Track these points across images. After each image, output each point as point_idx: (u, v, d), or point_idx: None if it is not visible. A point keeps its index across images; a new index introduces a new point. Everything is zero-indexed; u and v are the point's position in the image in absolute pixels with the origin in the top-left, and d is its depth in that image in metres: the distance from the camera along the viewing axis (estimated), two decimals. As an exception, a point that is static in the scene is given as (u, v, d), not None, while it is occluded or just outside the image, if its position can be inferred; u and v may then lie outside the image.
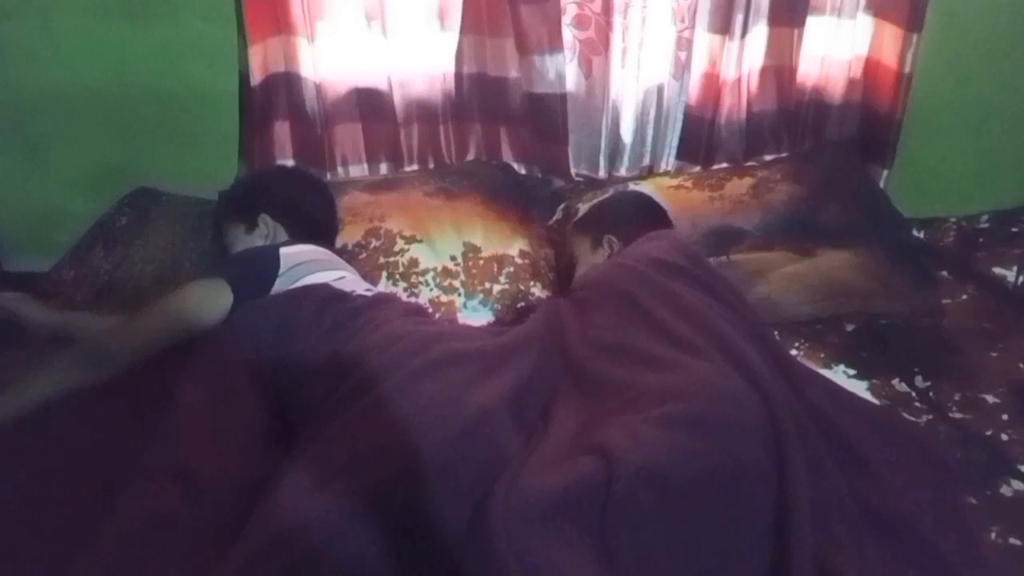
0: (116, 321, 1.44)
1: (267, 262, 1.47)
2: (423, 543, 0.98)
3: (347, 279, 1.53)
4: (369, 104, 2.05)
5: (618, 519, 0.99)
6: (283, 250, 1.49)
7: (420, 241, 1.81)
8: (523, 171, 2.17)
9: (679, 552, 0.98)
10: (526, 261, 1.85)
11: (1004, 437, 1.38)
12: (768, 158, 2.15)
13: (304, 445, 1.12)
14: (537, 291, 1.81)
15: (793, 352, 1.60)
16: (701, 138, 2.14)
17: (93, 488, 1.03)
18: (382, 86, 2.03)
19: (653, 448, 1.03)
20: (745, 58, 2.06)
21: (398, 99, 2.04)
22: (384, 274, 1.75)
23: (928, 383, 1.52)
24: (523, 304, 1.77)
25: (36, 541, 1.00)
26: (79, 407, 1.16)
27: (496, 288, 1.78)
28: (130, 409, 1.14)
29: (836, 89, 2.15)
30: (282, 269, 1.45)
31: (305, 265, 1.49)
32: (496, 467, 1.07)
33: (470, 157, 2.16)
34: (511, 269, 1.81)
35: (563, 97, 2.03)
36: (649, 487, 1.00)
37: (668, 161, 2.20)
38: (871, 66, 2.12)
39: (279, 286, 1.42)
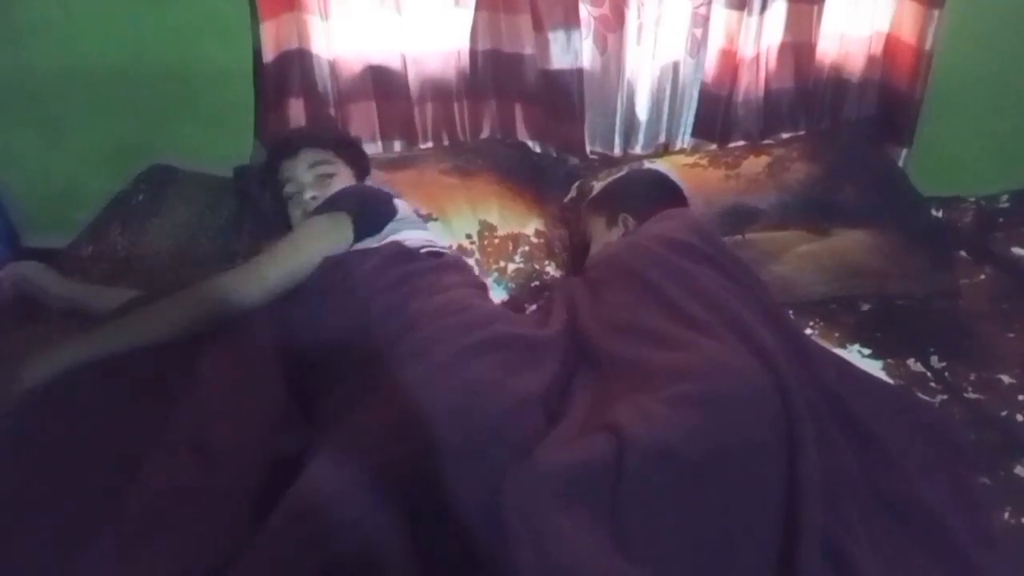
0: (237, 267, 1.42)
1: (385, 207, 1.53)
2: (442, 522, 0.98)
3: (434, 241, 1.59)
4: (383, 82, 2.05)
5: (629, 497, 0.99)
6: (397, 200, 1.56)
7: (436, 219, 1.81)
8: (538, 149, 2.16)
9: (688, 529, 0.99)
10: (541, 240, 1.85)
11: (1019, 418, 1.38)
12: (785, 136, 2.14)
13: (343, 410, 1.14)
14: (551, 270, 1.81)
15: (808, 332, 1.60)
16: (717, 116, 2.12)
17: (116, 459, 1.05)
18: (396, 64, 2.02)
19: (664, 426, 1.04)
20: (763, 35, 2.03)
21: (412, 77, 2.03)
22: (399, 252, 1.76)
23: (943, 363, 1.52)
24: (537, 283, 1.77)
25: (60, 511, 1.01)
26: (102, 380, 1.16)
27: (511, 267, 1.78)
28: (152, 383, 1.15)
29: (855, 66, 2.12)
30: (397, 217, 1.52)
31: (403, 220, 1.54)
32: (522, 454, 1.07)
33: (484, 135, 2.15)
34: (526, 248, 1.82)
35: (579, 73, 2.02)
36: (660, 465, 1.00)
37: (684, 139, 2.18)
38: (891, 43, 2.09)
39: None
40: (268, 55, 1.92)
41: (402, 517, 0.98)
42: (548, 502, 0.98)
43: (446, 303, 1.32)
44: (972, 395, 1.44)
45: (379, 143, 2.12)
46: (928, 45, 2.00)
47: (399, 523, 0.97)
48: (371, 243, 1.46)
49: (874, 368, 1.49)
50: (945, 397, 1.44)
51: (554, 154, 2.16)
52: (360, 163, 1.73)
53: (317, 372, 1.29)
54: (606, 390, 1.21)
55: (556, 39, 1.98)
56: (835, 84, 2.15)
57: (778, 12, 2.03)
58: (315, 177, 1.61)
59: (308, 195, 1.58)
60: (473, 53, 2.05)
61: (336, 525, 0.94)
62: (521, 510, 0.97)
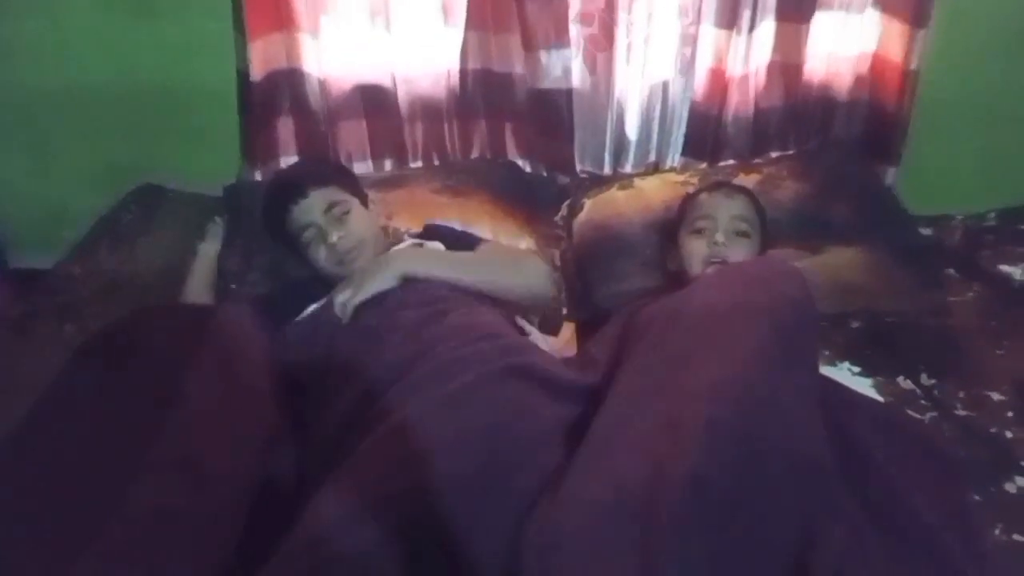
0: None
1: None
2: (454, 555, 0.96)
3: None
4: (373, 101, 2.05)
5: (658, 528, 0.94)
6: None
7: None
8: (528, 168, 2.17)
9: (716, 564, 0.95)
10: (532, 258, 1.84)
11: (1009, 434, 1.37)
12: (775, 155, 2.15)
13: (350, 429, 1.13)
14: (542, 288, 1.80)
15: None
16: (707, 135, 2.13)
17: (101, 480, 1.03)
18: (386, 82, 2.03)
19: (700, 460, 0.98)
20: (752, 54, 2.05)
21: (402, 95, 2.04)
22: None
23: (933, 381, 1.52)
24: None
25: (43, 534, 0.99)
26: (87, 399, 1.15)
27: (501, 285, 1.77)
28: (139, 401, 1.13)
29: (843, 86, 2.14)
30: None
31: None
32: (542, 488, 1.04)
33: (475, 154, 2.16)
34: (517, 267, 1.81)
35: (569, 93, 2.03)
36: (694, 497, 0.96)
37: (674, 158, 2.19)
38: (878, 63, 2.11)
39: None
40: (256, 74, 1.92)
41: (412, 550, 0.94)
42: (575, 537, 0.94)
43: (486, 324, 1.31)
44: (962, 412, 1.44)
45: (369, 162, 2.12)
46: (914, 64, 2.01)
47: (408, 556, 0.94)
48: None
49: (864, 386, 1.49)
50: (935, 414, 1.43)
51: (544, 173, 2.16)
52: (360, 190, 1.68)
53: (318, 382, 1.28)
54: (636, 403, 1.14)
55: (546, 58, 1.98)
56: (823, 103, 2.16)
57: (766, 32, 2.04)
58: (333, 218, 1.54)
59: (334, 237, 1.51)
60: (463, 72, 2.05)
61: (343, 556, 0.92)
62: (537, 546, 0.94)
